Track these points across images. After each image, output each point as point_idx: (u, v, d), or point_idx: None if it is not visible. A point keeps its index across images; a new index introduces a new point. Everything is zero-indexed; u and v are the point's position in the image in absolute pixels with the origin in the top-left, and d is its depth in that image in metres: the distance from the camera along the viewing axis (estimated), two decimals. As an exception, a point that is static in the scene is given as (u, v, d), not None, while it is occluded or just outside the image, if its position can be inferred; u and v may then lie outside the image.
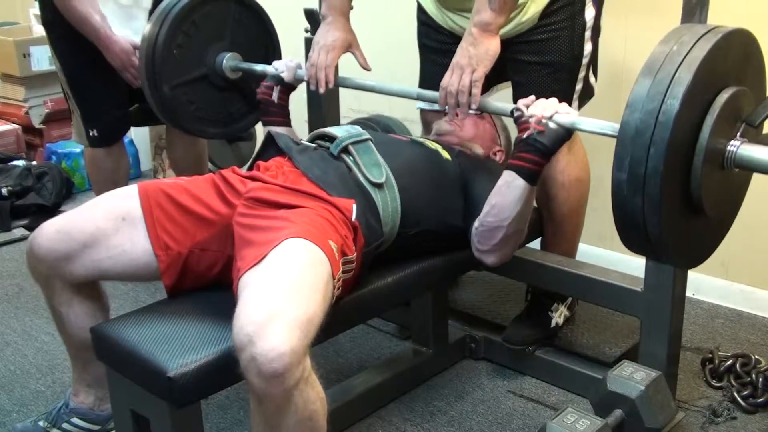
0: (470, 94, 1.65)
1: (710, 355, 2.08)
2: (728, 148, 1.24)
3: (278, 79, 2.01)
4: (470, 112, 1.72)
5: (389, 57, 2.88)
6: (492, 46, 1.66)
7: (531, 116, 1.52)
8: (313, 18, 2.42)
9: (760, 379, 1.94)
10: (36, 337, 2.36)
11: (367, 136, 1.75)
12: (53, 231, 1.54)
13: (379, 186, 1.65)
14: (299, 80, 2.01)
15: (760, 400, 1.92)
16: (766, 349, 2.18)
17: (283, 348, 1.19)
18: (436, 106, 1.82)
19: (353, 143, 1.71)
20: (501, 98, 2.11)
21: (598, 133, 1.47)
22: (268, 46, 2.29)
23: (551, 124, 1.50)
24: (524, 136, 1.52)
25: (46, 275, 1.59)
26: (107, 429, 1.76)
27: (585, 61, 1.93)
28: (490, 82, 2.01)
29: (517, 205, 1.59)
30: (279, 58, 2.29)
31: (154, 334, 1.44)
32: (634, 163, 1.18)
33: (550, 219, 2.10)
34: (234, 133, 2.30)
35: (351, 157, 1.69)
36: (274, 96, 2.00)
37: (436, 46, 2.05)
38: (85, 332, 1.57)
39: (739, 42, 1.26)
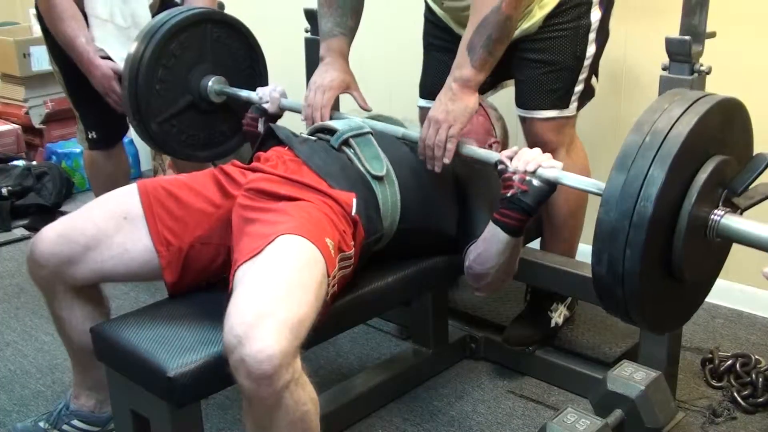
0: (445, 148, 1.65)
1: (710, 355, 2.08)
2: (711, 217, 1.20)
3: (262, 111, 1.99)
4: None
5: (390, 57, 2.88)
6: (471, 103, 1.66)
7: (514, 172, 1.49)
8: (313, 18, 2.40)
9: (760, 379, 1.94)
10: (36, 337, 2.36)
11: (367, 129, 1.75)
12: (54, 235, 1.53)
13: (379, 179, 1.65)
14: (284, 110, 1.99)
15: (760, 400, 1.92)
16: (766, 349, 2.18)
17: (272, 350, 1.18)
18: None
19: (354, 136, 1.71)
20: (505, 96, 2.11)
21: (582, 189, 1.45)
22: (253, 61, 2.24)
23: (535, 182, 1.47)
24: (508, 194, 1.50)
25: (48, 280, 1.58)
26: (107, 430, 1.76)
27: (588, 62, 1.92)
28: (495, 80, 2.01)
29: (502, 255, 1.58)
30: (264, 70, 2.26)
31: (154, 334, 1.44)
32: (612, 260, 1.16)
33: (549, 220, 2.09)
34: (226, 153, 2.25)
35: (352, 150, 1.69)
36: (260, 127, 1.98)
37: (443, 45, 2.05)
38: (87, 336, 1.56)
39: (720, 112, 1.21)
